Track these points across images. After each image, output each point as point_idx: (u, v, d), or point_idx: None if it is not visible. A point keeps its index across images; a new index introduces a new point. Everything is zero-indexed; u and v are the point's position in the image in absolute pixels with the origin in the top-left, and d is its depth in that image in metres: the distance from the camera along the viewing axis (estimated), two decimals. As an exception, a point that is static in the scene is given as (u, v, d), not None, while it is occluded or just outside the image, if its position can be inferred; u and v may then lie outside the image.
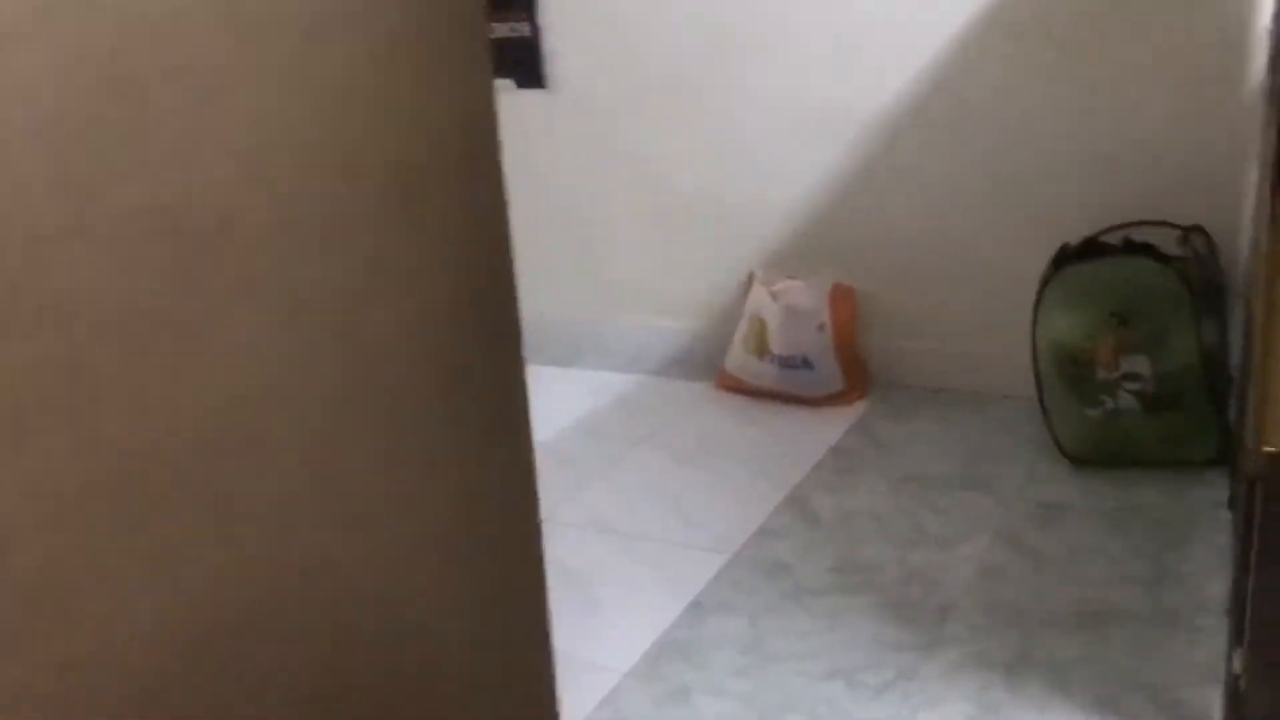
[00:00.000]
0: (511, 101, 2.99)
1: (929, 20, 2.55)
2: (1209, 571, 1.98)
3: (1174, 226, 2.39)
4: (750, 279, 2.87)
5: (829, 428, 2.63)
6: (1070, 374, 2.33)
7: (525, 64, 2.95)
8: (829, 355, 2.74)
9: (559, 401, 2.88)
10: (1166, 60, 2.37)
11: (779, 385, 2.78)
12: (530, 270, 3.12)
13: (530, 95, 2.99)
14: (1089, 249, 2.40)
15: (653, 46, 2.83)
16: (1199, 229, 2.38)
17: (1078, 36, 2.44)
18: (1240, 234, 2.39)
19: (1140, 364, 2.28)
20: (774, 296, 2.79)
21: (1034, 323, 2.40)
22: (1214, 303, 2.33)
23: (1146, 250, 2.35)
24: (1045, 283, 2.38)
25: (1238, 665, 1.48)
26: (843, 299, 2.77)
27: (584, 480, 2.46)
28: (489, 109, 1.30)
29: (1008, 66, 2.50)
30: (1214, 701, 1.66)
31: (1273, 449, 1.37)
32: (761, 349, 2.80)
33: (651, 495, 2.39)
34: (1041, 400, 2.42)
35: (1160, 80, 2.39)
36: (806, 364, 2.74)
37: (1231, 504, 2.13)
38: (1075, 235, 2.43)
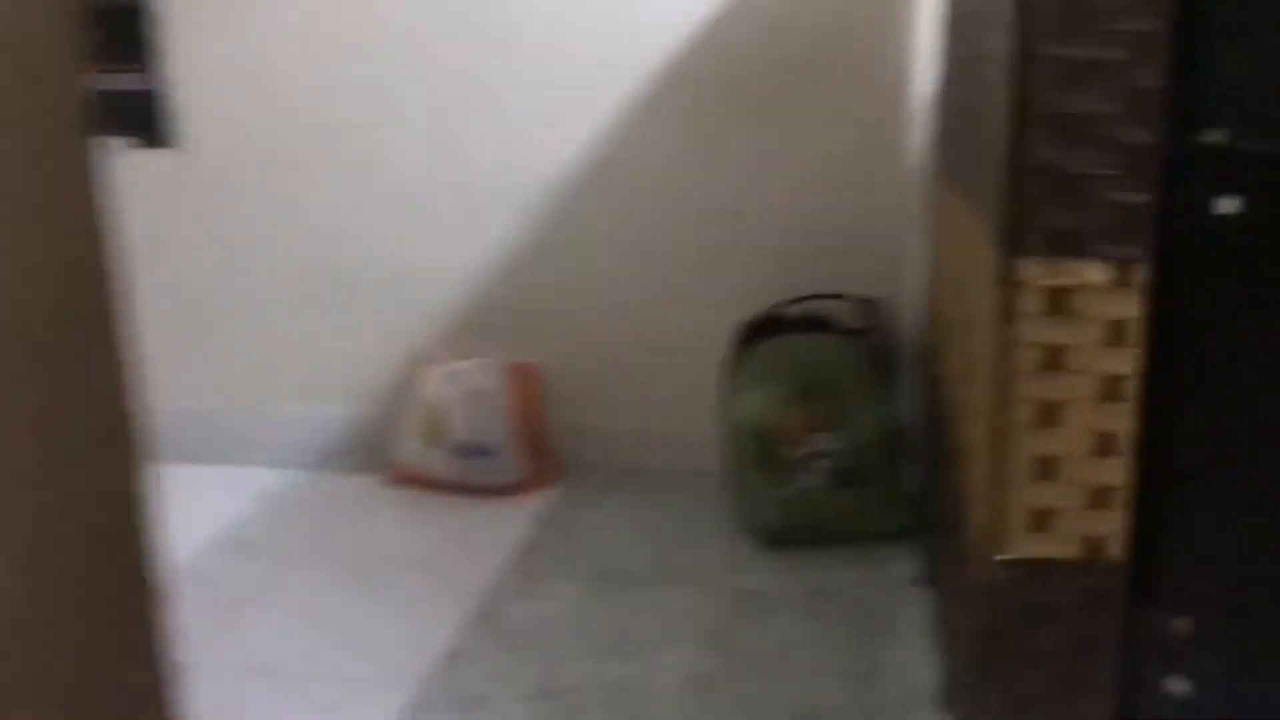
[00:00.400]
0: (131, 163, 2.58)
1: (606, 87, 2.43)
2: (915, 657, 1.93)
3: (849, 299, 2.38)
4: (423, 358, 2.62)
5: (516, 522, 2.41)
6: (760, 453, 2.26)
7: (146, 121, 2.56)
8: (512, 440, 2.53)
9: (199, 509, 2.49)
10: (833, 133, 2.38)
11: (459, 476, 2.54)
12: (157, 355, 2.70)
13: (153, 156, 2.60)
14: (771, 324, 2.35)
15: (301, 101, 2.53)
16: (872, 300, 2.39)
17: (749, 109, 2.40)
18: (908, 304, 2.42)
19: (828, 441, 2.24)
20: (450, 377, 2.56)
21: (724, 403, 2.31)
22: (891, 374, 2.34)
23: (826, 325, 2.33)
24: (732, 362, 2.31)
25: (978, 785, 1.40)
26: (525, 378, 2.58)
27: (233, 609, 2.11)
28: (98, 250, 0.99)
29: (685, 138, 2.43)
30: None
31: (1007, 558, 1.30)
32: (437, 436, 2.55)
33: (318, 622, 2.08)
34: (734, 480, 2.33)
35: (829, 154, 2.38)
36: (488, 451, 2.52)
37: (927, 579, 2.12)
38: (759, 308, 2.38)
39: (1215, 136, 0.68)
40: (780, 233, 2.44)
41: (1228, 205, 0.66)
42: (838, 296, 2.38)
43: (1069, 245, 1.21)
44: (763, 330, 2.35)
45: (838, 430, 2.23)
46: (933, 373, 2.05)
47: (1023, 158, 1.21)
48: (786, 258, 2.44)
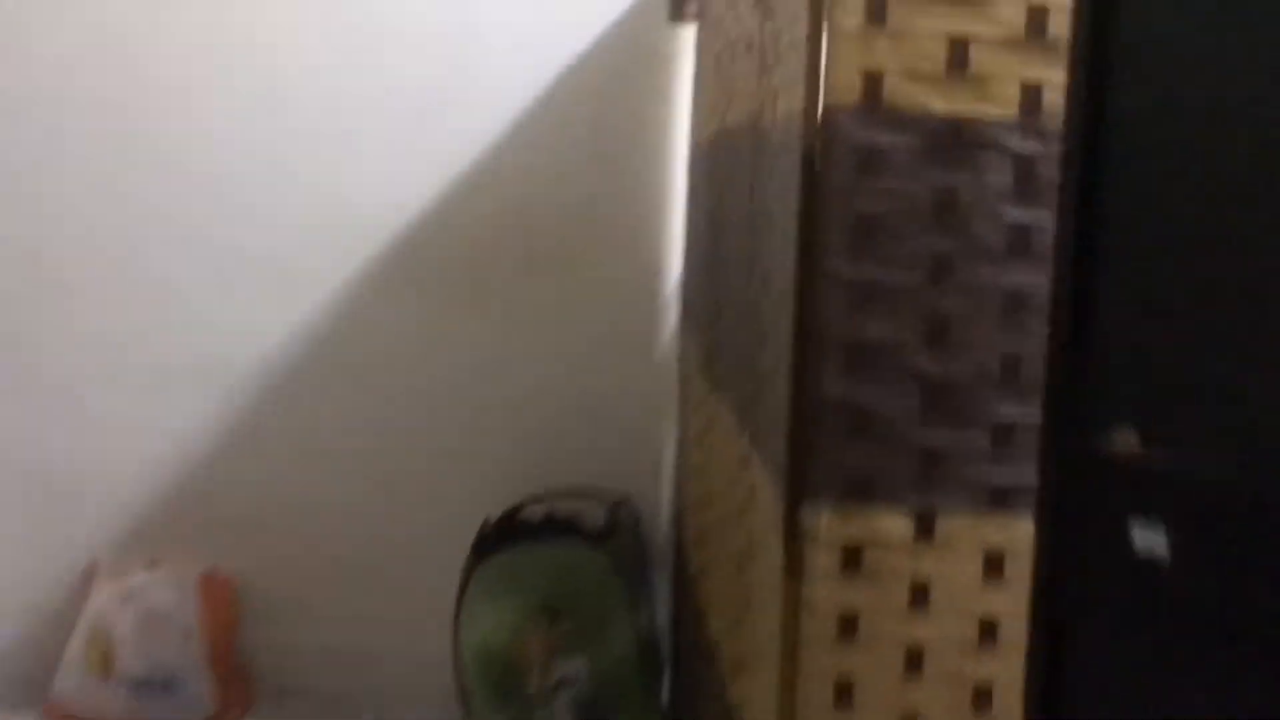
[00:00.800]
0: None
1: (318, 258, 2.17)
2: None
3: (600, 497, 2.16)
4: (91, 570, 2.20)
5: (201, 773, 2.00)
6: (498, 681, 1.98)
7: None
8: (199, 669, 2.13)
9: None
10: (583, 319, 2.20)
11: (133, 714, 2.10)
12: None
13: None
14: (512, 528, 2.10)
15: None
16: (624, 499, 2.18)
17: (490, 291, 2.19)
18: (662, 504, 2.23)
19: (575, 665, 1.98)
20: (124, 595, 2.14)
21: (456, 622, 2.02)
22: (645, 585, 2.13)
23: (573, 530, 2.10)
24: (467, 574, 2.03)
25: None
26: (217, 592, 2.20)
27: None
28: None
29: (419, 319, 2.19)
30: None
31: None
32: (106, 667, 2.12)
33: None
34: (466, 712, 2.03)
35: (579, 341, 2.20)
36: (170, 684, 2.11)
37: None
38: (498, 508, 2.12)
39: (1124, 440, 0.51)
40: (524, 424, 2.21)
41: (1145, 539, 0.49)
42: (586, 494, 2.16)
43: (863, 491, 1.03)
44: (502, 535, 2.09)
45: (586, 653, 1.98)
46: (692, 596, 1.84)
47: (809, 389, 1.03)
48: (530, 452, 2.21)
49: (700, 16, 2.01)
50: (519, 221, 2.18)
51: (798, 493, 1.04)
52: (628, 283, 2.20)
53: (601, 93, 2.17)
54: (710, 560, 1.63)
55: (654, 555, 2.20)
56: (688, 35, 2.10)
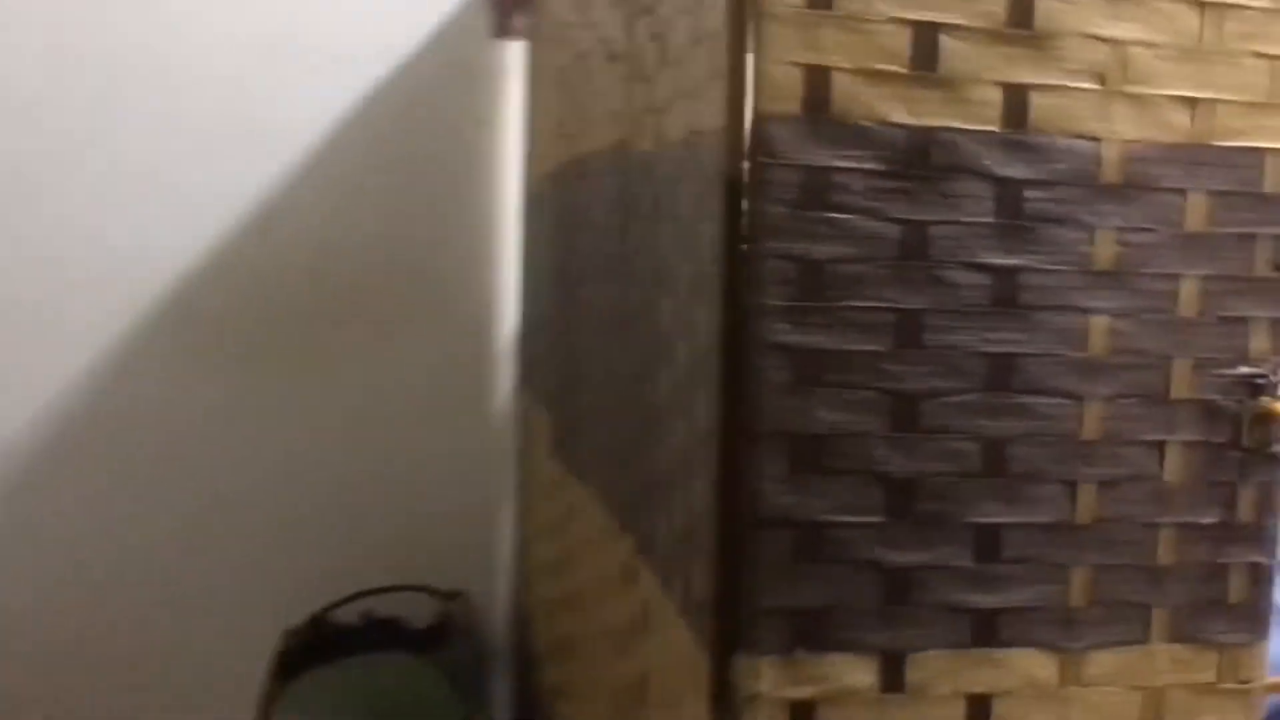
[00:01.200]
0: None
1: (72, 316, 1.80)
2: None
3: (430, 592, 1.85)
4: None
5: None
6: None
7: None
8: (-81, 843, 1.70)
9: None
10: (399, 386, 1.90)
11: None
12: None
13: None
14: (321, 637, 1.77)
15: None
16: (457, 595, 1.88)
17: (285, 357, 1.86)
18: (499, 600, 1.94)
19: (405, 801, 1.66)
20: None
21: (255, 762, 1.66)
22: (483, 694, 1.83)
23: (396, 634, 1.79)
24: (268, 700, 1.68)
25: None
26: (-57, 739, 1.77)
27: None
28: None
29: (195, 397, 1.84)
30: None
31: None
32: None
33: None
34: None
35: (396, 411, 1.89)
36: None
37: None
38: (303, 614, 1.79)
39: None
40: (331, 513, 1.89)
41: None
42: (411, 589, 1.85)
43: (815, 632, 0.78)
44: (309, 647, 1.76)
45: (417, 786, 1.67)
46: (546, 713, 1.55)
47: (740, 499, 0.77)
48: (339, 544, 1.89)
49: (532, 31, 1.75)
50: (320, 268, 1.87)
51: (729, 640, 0.77)
52: (452, 341, 1.91)
53: (413, 120, 1.88)
54: (575, 682, 1.35)
55: (493, 660, 1.90)
56: (515, 53, 1.84)
